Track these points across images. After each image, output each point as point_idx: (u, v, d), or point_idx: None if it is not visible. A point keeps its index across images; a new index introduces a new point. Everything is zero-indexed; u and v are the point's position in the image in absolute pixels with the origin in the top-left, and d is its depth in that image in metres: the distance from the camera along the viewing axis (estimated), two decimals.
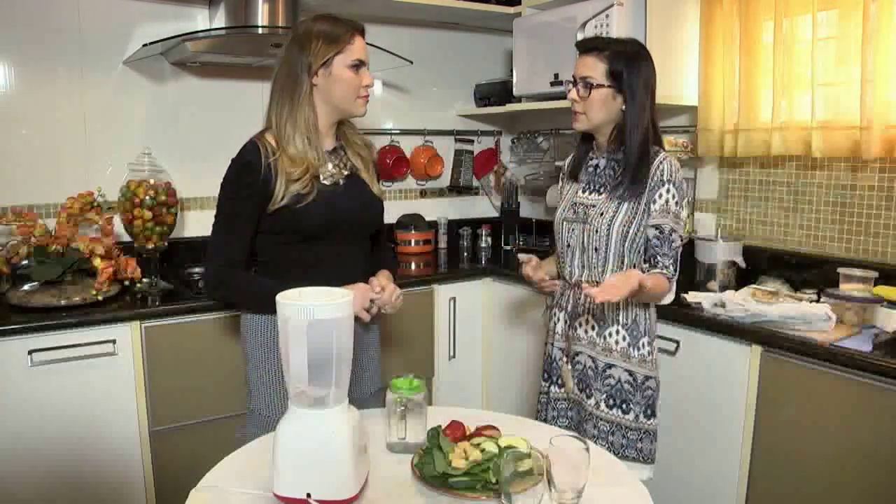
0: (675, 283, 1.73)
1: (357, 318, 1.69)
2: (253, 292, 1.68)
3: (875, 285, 2.01)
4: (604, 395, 1.75)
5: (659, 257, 1.70)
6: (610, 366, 1.75)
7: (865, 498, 1.69)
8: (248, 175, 1.64)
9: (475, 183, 3.42)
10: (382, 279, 1.76)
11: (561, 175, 1.95)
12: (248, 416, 1.81)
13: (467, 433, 1.38)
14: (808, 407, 1.79)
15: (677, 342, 2.07)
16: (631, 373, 1.74)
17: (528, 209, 3.38)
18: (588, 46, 1.74)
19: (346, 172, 1.75)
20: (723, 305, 2.02)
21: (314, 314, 1.15)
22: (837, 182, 2.24)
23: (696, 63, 2.47)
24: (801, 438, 1.81)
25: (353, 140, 1.80)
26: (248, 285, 1.69)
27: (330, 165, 1.72)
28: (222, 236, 1.68)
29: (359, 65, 1.67)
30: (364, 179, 1.78)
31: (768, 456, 1.89)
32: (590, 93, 1.70)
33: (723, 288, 2.25)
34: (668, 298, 1.77)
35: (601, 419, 1.75)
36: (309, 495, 1.17)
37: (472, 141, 3.36)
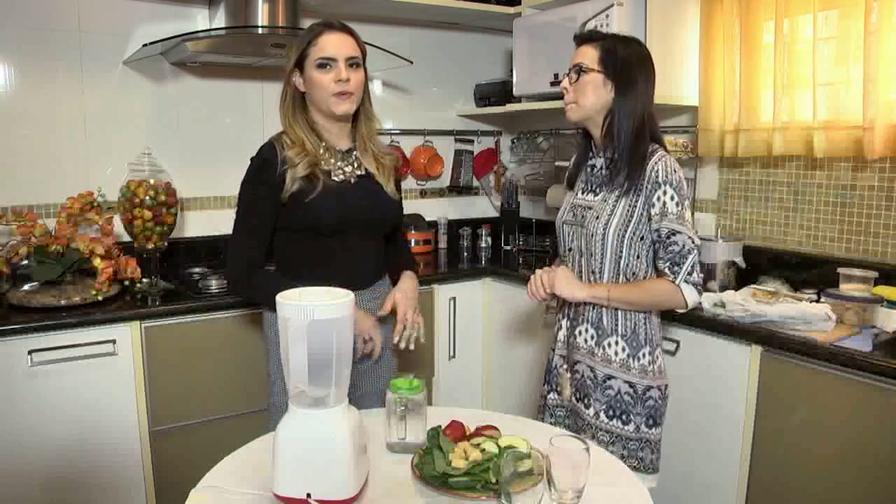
0: (688, 287, 1.63)
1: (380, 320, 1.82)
2: (273, 293, 1.68)
3: (875, 285, 2.01)
4: (603, 406, 1.72)
5: (658, 262, 1.68)
6: (609, 377, 1.71)
7: (865, 498, 1.69)
8: (264, 172, 1.70)
9: (475, 183, 3.42)
10: (403, 304, 1.81)
11: (565, 179, 1.95)
12: (272, 412, 1.81)
13: (467, 433, 1.38)
14: (809, 407, 1.79)
15: (677, 342, 2.07)
16: (631, 384, 1.70)
17: (528, 209, 3.38)
18: (584, 37, 1.73)
19: (359, 172, 1.78)
20: (723, 305, 2.02)
21: (314, 314, 1.15)
22: (837, 182, 2.24)
23: (696, 63, 2.47)
24: (801, 438, 1.81)
25: (369, 144, 1.82)
26: (270, 286, 1.67)
27: (340, 163, 1.76)
28: (243, 236, 1.74)
29: (326, 63, 1.67)
30: (378, 181, 1.80)
31: (768, 456, 1.89)
32: (578, 77, 1.68)
33: (723, 288, 2.25)
34: (686, 301, 1.65)
35: (600, 429, 1.72)
36: (309, 495, 1.17)
37: (472, 141, 3.36)
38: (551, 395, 1.86)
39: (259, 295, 1.76)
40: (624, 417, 1.70)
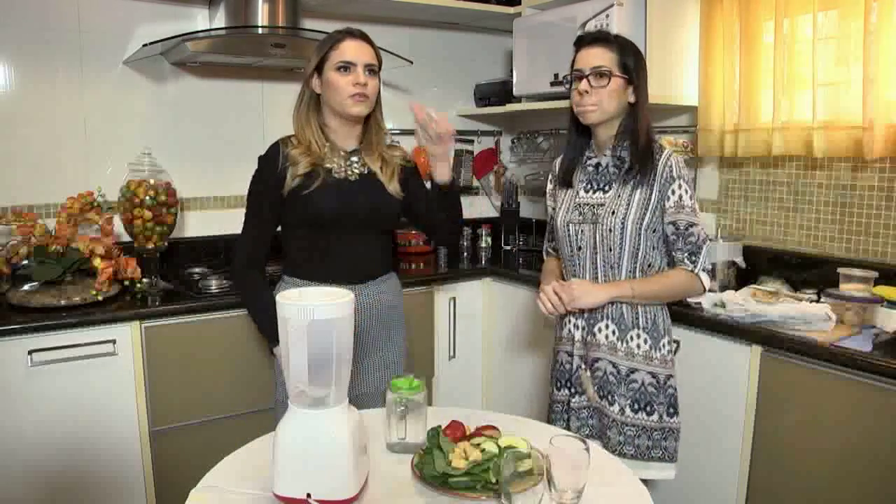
0: (704, 275, 1.72)
1: (383, 316, 1.88)
2: (252, 309, 1.86)
3: (875, 285, 2.01)
4: (628, 401, 1.74)
5: (675, 253, 1.73)
6: (633, 370, 1.74)
7: (865, 498, 1.69)
8: (265, 171, 1.80)
9: (475, 183, 3.42)
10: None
11: (550, 179, 1.95)
12: (280, 410, 1.83)
13: (467, 433, 1.38)
14: (809, 407, 1.79)
15: (677, 342, 2.07)
16: (654, 375, 1.74)
17: (528, 209, 3.38)
18: (594, 38, 1.75)
19: (360, 170, 1.83)
20: (723, 305, 2.02)
21: (314, 314, 1.15)
22: (837, 182, 2.24)
23: (696, 63, 2.47)
24: (801, 438, 1.81)
25: (375, 147, 1.86)
26: (252, 299, 1.85)
27: (343, 161, 1.82)
28: (246, 234, 1.84)
29: (345, 66, 1.74)
30: (380, 179, 1.84)
31: (768, 456, 1.89)
32: (607, 82, 1.70)
33: (723, 288, 2.25)
34: (702, 288, 1.74)
35: (626, 424, 1.74)
36: (309, 495, 1.17)
37: (472, 141, 3.36)
38: (575, 399, 1.82)
39: (247, 296, 1.87)
40: (648, 409, 1.74)
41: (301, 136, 1.80)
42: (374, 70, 1.78)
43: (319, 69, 1.76)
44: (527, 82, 2.75)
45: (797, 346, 1.80)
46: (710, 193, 2.61)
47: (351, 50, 1.74)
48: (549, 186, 1.95)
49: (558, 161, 1.91)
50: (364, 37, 1.79)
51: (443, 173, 1.84)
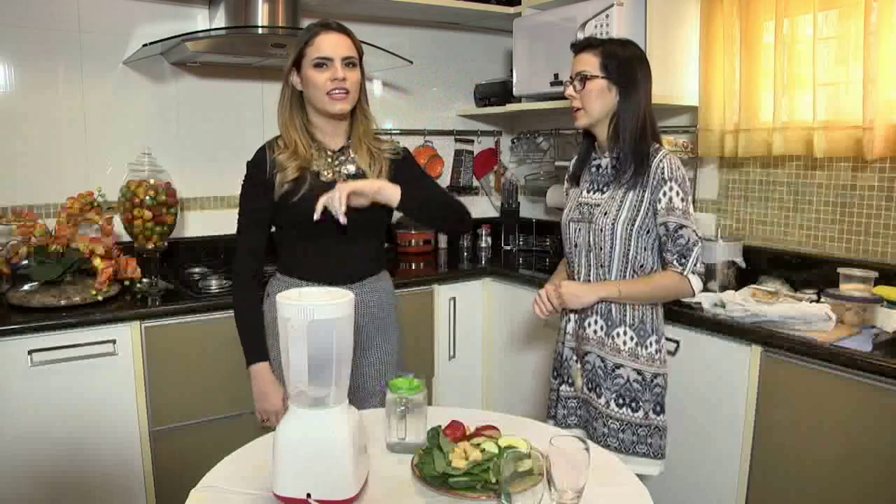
0: (694, 277, 1.73)
1: (375, 316, 1.85)
2: (240, 324, 1.80)
3: (875, 285, 2.01)
4: (613, 395, 1.77)
5: (665, 255, 1.75)
6: (618, 365, 1.77)
7: (865, 498, 1.69)
8: (256, 173, 1.76)
9: (475, 183, 3.42)
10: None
11: (566, 178, 1.98)
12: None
13: (467, 433, 1.38)
14: (808, 407, 1.79)
15: (677, 342, 2.07)
16: (640, 372, 1.77)
17: (528, 209, 3.38)
18: (583, 44, 1.79)
19: (347, 172, 1.79)
20: (723, 305, 2.02)
21: (314, 314, 1.15)
22: (837, 182, 2.24)
23: (696, 63, 2.47)
24: (801, 438, 1.81)
25: (364, 142, 1.81)
26: (242, 313, 1.80)
27: (331, 162, 1.78)
28: (239, 237, 1.80)
29: (321, 62, 1.68)
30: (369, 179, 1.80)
31: (768, 456, 1.89)
32: (584, 85, 1.74)
33: (723, 288, 2.25)
34: (691, 290, 1.75)
35: (611, 417, 1.78)
36: (309, 495, 1.17)
37: (472, 141, 3.36)
38: (563, 387, 1.90)
39: (238, 309, 1.81)
40: (633, 405, 1.77)
41: (287, 137, 1.75)
42: (353, 63, 1.72)
43: (298, 65, 1.71)
44: (527, 82, 2.75)
45: (797, 346, 1.80)
46: (710, 193, 2.61)
47: (326, 44, 1.68)
48: (566, 185, 1.99)
49: (572, 162, 1.96)
50: (341, 28, 1.72)
51: (390, 196, 1.70)
